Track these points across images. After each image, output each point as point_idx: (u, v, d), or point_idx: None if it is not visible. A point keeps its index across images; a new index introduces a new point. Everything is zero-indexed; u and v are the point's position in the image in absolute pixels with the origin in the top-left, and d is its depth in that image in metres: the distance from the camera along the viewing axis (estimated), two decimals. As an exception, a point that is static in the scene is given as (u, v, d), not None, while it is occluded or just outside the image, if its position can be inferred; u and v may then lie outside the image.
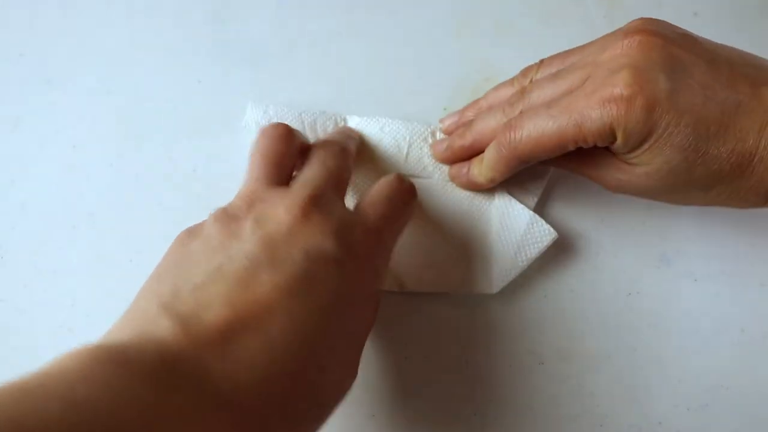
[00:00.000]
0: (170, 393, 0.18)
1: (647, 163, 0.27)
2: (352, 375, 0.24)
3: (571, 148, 0.28)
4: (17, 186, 0.34)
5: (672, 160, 0.26)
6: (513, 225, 0.32)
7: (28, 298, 0.32)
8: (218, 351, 0.20)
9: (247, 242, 0.23)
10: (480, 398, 0.31)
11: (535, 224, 0.32)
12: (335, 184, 0.27)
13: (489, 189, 0.33)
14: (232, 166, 0.35)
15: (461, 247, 0.33)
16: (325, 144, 0.29)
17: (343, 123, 0.34)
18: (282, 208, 0.24)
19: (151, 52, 0.37)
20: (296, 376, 0.21)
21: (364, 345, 0.25)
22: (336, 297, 0.23)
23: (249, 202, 0.25)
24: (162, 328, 0.20)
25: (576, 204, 0.34)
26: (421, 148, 0.34)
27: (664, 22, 0.28)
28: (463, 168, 0.32)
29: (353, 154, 0.31)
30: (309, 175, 0.26)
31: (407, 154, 0.34)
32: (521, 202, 0.33)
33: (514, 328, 0.32)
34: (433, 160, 0.34)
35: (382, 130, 0.34)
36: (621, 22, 0.38)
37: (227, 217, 0.24)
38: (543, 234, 0.32)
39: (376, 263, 0.26)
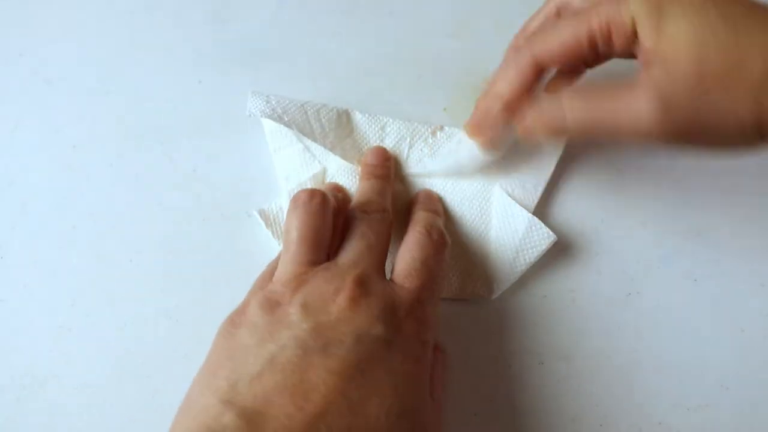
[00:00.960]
0: None
1: (671, 41, 0.24)
2: None
3: (586, 45, 0.26)
4: (17, 186, 0.34)
5: (706, 29, 0.23)
6: (512, 228, 0.32)
7: (28, 298, 0.32)
8: None
9: (296, 329, 0.23)
10: (480, 398, 0.31)
11: (533, 227, 0.32)
12: (377, 260, 0.27)
13: (487, 191, 0.33)
14: (232, 166, 0.35)
15: (459, 250, 0.33)
16: (364, 210, 0.29)
17: (346, 117, 0.34)
18: (328, 294, 0.24)
19: (151, 52, 0.37)
20: None
21: (429, 415, 0.24)
22: (388, 376, 0.23)
23: (292, 287, 0.25)
24: (227, 424, 0.20)
25: (576, 204, 0.34)
26: (421, 149, 0.34)
27: None
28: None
29: (390, 200, 0.31)
30: (351, 256, 0.26)
31: (408, 154, 0.34)
32: (521, 202, 0.33)
33: (514, 328, 0.32)
34: (433, 161, 0.34)
35: (383, 130, 0.34)
36: (621, 22, 0.38)
37: (270, 303, 0.25)
38: (542, 237, 0.32)
39: (422, 338, 0.25)
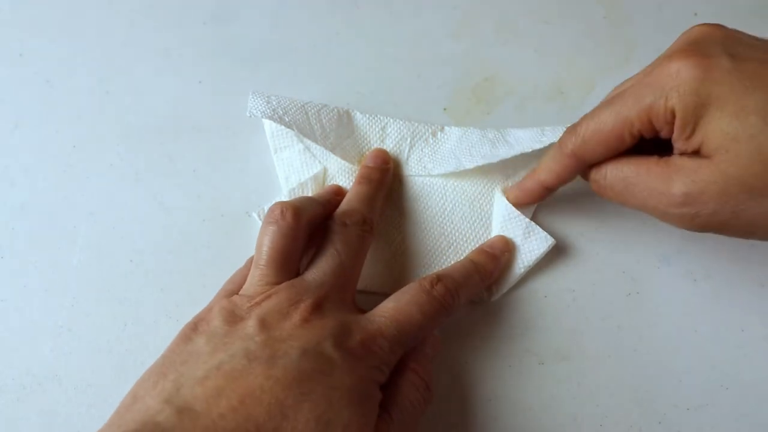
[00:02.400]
0: None
1: (712, 146, 0.23)
2: None
3: (629, 139, 0.26)
4: (17, 186, 0.34)
5: (742, 133, 0.22)
6: (511, 233, 0.32)
7: (28, 298, 0.32)
8: None
9: (248, 341, 0.24)
10: (480, 398, 0.31)
11: (532, 233, 0.32)
12: (344, 282, 0.27)
13: (487, 193, 0.33)
14: (232, 166, 0.35)
15: (459, 253, 0.33)
16: (344, 222, 0.29)
17: (347, 117, 0.34)
18: (285, 312, 0.25)
19: (151, 52, 0.37)
20: None
21: None
22: (326, 389, 0.23)
23: (255, 302, 0.26)
24: (160, 420, 0.21)
25: (576, 204, 0.34)
26: (422, 149, 0.34)
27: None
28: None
29: (379, 207, 0.31)
30: (318, 275, 0.27)
31: (408, 155, 0.34)
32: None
33: (514, 328, 0.32)
34: (434, 162, 0.34)
35: (383, 130, 0.34)
36: (621, 22, 0.38)
37: (233, 317, 0.25)
38: (540, 242, 0.32)
39: (372, 363, 0.25)
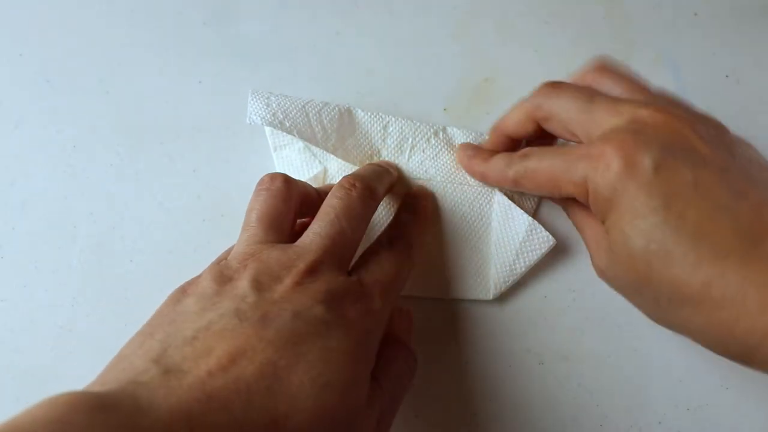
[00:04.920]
0: None
1: (612, 238, 0.25)
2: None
3: (559, 196, 0.27)
4: (17, 186, 0.34)
5: (633, 243, 0.24)
6: (512, 231, 0.32)
7: (28, 298, 0.32)
8: (195, 395, 0.20)
9: (239, 301, 0.23)
10: (480, 398, 0.31)
11: (534, 231, 0.32)
12: (340, 250, 0.26)
13: (487, 192, 0.33)
14: (232, 166, 0.35)
15: (459, 252, 0.33)
16: (352, 184, 0.28)
17: (348, 116, 0.34)
18: (277, 274, 0.25)
19: (151, 52, 0.37)
20: (274, 421, 0.21)
21: (351, 410, 0.24)
22: (320, 351, 0.23)
23: (246, 263, 0.25)
24: (145, 379, 0.21)
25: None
26: (423, 150, 0.34)
27: (693, 112, 0.27)
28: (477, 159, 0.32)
29: (381, 198, 0.31)
30: (314, 240, 0.26)
31: (409, 155, 0.34)
32: (521, 203, 0.33)
33: (514, 328, 0.32)
34: (435, 162, 0.34)
35: (385, 129, 0.34)
36: (621, 22, 0.38)
37: (222, 277, 0.25)
38: (542, 241, 0.32)
39: (366, 326, 0.25)
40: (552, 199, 0.32)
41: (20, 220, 0.34)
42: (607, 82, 0.29)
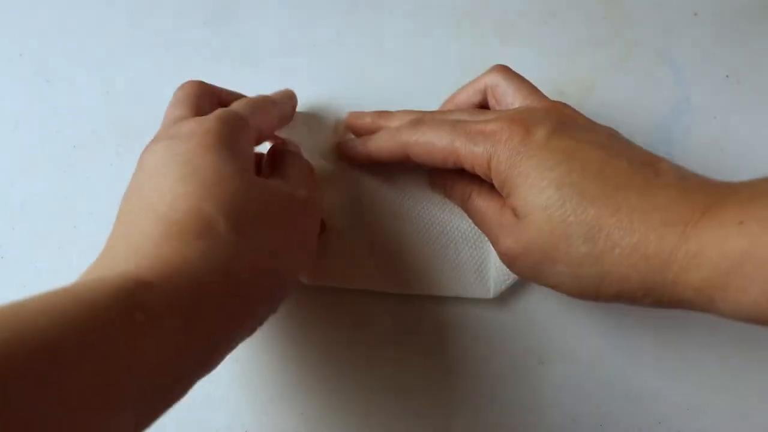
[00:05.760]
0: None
1: (520, 211, 0.26)
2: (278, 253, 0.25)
3: (451, 166, 0.29)
4: (17, 186, 0.34)
5: (539, 204, 0.25)
6: None
7: (28, 298, 0.32)
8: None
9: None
10: (480, 398, 0.31)
11: None
12: (248, 129, 0.28)
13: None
14: (232, 166, 0.35)
15: (459, 251, 0.33)
16: (263, 98, 0.30)
17: (343, 124, 0.34)
18: (193, 126, 0.25)
19: (151, 52, 0.37)
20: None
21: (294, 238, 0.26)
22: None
23: (166, 128, 0.27)
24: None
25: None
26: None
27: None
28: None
29: (289, 117, 0.32)
30: (226, 111, 0.27)
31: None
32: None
33: (514, 328, 0.32)
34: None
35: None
36: (621, 22, 0.38)
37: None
38: None
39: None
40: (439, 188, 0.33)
41: (20, 220, 0.34)
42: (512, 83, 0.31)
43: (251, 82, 0.36)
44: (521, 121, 0.27)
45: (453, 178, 0.31)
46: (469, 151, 0.27)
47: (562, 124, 0.27)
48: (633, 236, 0.23)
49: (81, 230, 0.33)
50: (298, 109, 0.35)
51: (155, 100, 0.36)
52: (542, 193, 0.25)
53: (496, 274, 0.32)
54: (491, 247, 0.32)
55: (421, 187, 0.34)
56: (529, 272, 0.27)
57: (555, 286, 0.27)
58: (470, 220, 0.33)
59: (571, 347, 0.32)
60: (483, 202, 0.30)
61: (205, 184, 0.23)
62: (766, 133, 0.35)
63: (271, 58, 0.37)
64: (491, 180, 0.28)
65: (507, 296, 0.33)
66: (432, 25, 0.38)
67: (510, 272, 0.32)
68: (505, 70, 0.31)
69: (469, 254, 0.33)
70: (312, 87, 0.36)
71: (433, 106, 0.36)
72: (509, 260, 0.28)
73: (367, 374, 0.32)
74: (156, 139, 0.26)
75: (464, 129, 0.28)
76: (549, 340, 0.32)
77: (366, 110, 0.35)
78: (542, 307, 0.33)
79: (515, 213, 0.27)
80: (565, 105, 0.29)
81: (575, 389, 0.31)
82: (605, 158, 0.25)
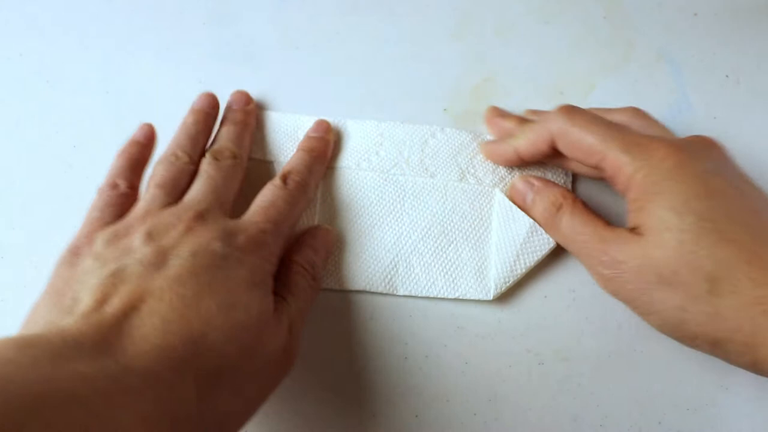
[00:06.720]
0: (73, 363, 0.20)
1: (648, 227, 0.26)
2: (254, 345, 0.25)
3: (592, 166, 0.29)
4: (17, 186, 0.34)
5: (674, 226, 0.25)
6: (513, 232, 0.32)
7: (28, 298, 0.32)
8: (115, 330, 0.22)
9: (137, 252, 0.25)
10: (480, 398, 0.31)
11: (534, 233, 0.32)
12: (222, 200, 0.29)
13: (487, 192, 0.33)
14: (232, 166, 0.35)
15: (459, 252, 0.33)
16: (216, 158, 0.31)
17: (341, 128, 0.35)
18: (170, 224, 0.27)
19: (151, 52, 0.37)
20: (192, 341, 0.23)
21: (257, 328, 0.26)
22: (222, 280, 0.25)
23: (141, 222, 0.27)
24: (65, 323, 0.22)
25: (576, 204, 0.34)
26: (422, 150, 0.34)
27: None
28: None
29: (252, 129, 0.34)
30: (196, 195, 0.29)
31: (408, 156, 0.34)
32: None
33: (514, 329, 0.32)
34: (434, 162, 0.34)
35: (382, 135, 0.34)
36: (621, 22, 0.38)
37: (117, 235, 0.27)
38: (542, 243, 0.32)
39: (261, 255, 0.27)
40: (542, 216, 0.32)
41: (20, 220, 0.34)
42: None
43: (251, 82, 0.36)
44: (680, 147, 0.27)
45: (546, 184, 0.32)
46: (616, 156, 0.27)
47: (719, 164, 0.27)
48: (761, 289, 0.23)
49: (81, 230, 0.33)
50: (298, 109, 0.35)
51: (155, 100, 0.36)
52: (681, 218, 0.25)
53: (496, 275, 0.32)
54: (492, 248, 0.32)
55: (422, 187, 0.34)
56: (630, 293, 0.27)
57: (654, 314, 0.27)
58: (471, 222, 0.33)
59: (571, 347, 0.32)
60: (580, 216, 0.29)
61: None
62: (766, 133, 0.35)
63: (271, 58, 0.37)
64: (619, 189, 0.28)
65: (507, 296, 0.33)
66: (432, 25, 0.38)
67: (510, 273, 0.32)
68: (638, 112, 0.31)
69: (469, 255, 0.33)
70: (312, 87, 0.36)
71: (434, 106, 0.36)
72: (614, 275, 0.27)
73: (366, 374, 0.32)
74: None
75: (620, 133, 0.28)
76: (549, 340, 0.32)
77: (366, 110, 0.35)
78: (542, 307, 0.33)
79: (637, 230, 0.27)
80: (723, 147, 0.29)
81: (575, 389, 0.31)
82: (752, 209, 0.25)
